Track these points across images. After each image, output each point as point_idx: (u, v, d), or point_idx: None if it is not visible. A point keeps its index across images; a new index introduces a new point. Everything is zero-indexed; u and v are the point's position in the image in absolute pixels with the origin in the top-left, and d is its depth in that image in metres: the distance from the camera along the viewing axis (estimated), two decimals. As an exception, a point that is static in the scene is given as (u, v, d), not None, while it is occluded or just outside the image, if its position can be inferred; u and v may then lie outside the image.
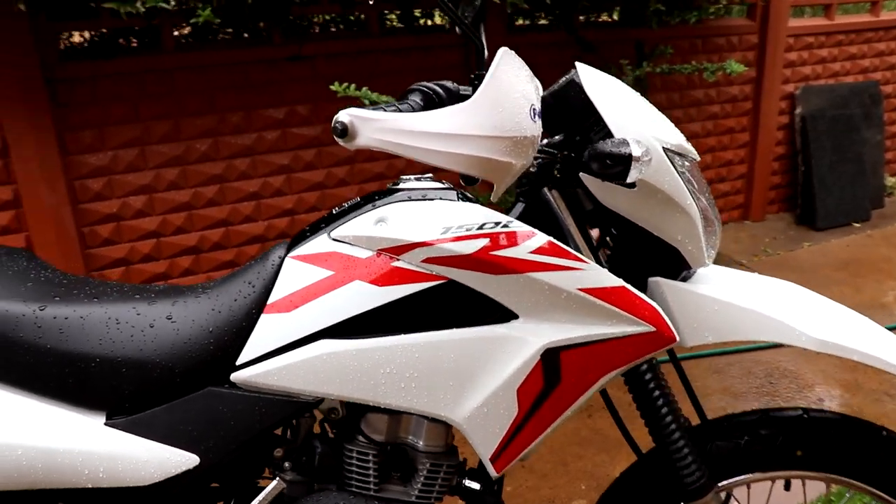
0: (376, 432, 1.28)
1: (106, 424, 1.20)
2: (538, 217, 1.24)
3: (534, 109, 0.92)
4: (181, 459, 1.19)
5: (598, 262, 1.23)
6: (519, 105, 0.89)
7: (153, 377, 1.20)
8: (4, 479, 1.20)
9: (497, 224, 1.15)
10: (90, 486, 1.19)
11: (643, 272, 1.25)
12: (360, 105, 2.62)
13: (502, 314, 1.17)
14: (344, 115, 0.87)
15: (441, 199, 1.24)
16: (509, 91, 0.88)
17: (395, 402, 1.18)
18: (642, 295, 1.15)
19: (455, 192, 1.26)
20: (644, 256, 1.24)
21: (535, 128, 0.92)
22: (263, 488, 1.29)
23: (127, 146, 2.92)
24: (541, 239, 1.13)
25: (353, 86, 2.44)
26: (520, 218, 1.27)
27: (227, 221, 3.17)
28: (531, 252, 1.13)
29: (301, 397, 1.20)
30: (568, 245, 1.21)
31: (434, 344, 1.16)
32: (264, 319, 1.20)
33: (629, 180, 1.05)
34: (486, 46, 1.50)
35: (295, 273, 1.21)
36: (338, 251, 1.21)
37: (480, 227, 1.15)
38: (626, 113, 1.15)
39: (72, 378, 1.20)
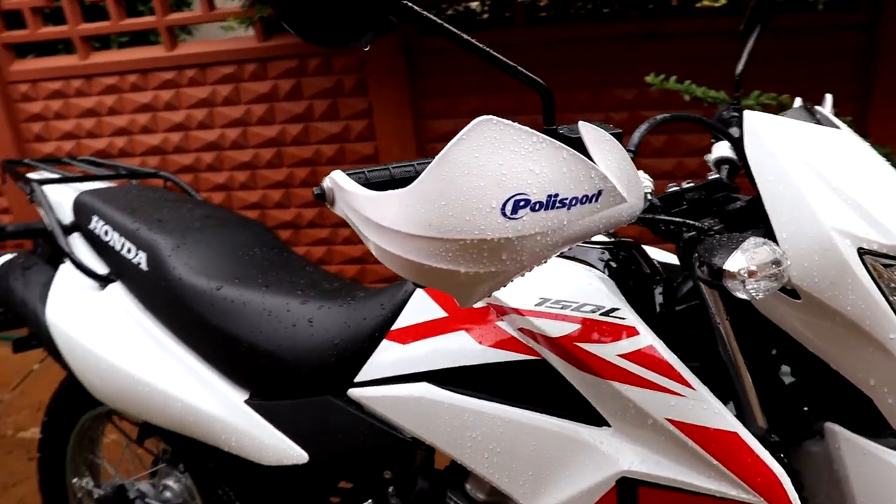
0: (480, 490, 1.17)
1: (246, 402, 1.30)
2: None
3: (519, 202, 0.68)
4: (293, 453, 1.24)
5: (761, 384, 0.92)
6: (479, 196, 0.66)
7: (284, 373, 1.26)
8: (170, 422, 1.38)
9: (597, 309, 0.93)
10: (226, 449, 1.31)
11: (818, 411, 0.90)
12: (684, 105, 2.33)
13: (597, 414, 0.95)
14: (327, 180, 0.76)
15: (576, 258, 1.05)
16: (467, 177, 0.66)
17: (478, 470, 1.07)
18: (764, 453, 0.84)
19: (604, 254, 1.05)
20: (821, 390, 0.90)
21: (509, 227, 0.68)
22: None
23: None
24: (639, 342, 0.89)
25: (672, 78, 2.16)
26: (687, 295, 1.01)
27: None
28: (621, 356, 0.89)
29: (402, 432, 1.15)
30: (719, 351, 0.93)
31: (519, 424, 1.01)
32: (384, 345, 1.18)
33: (741, 297, 0.75)
34: (744, 58, 1.21)
35: (419, 306, 1.16)
36: None
37: (578, 308, 0.94)
38: (803, 189, 0.81)
39: (225, 354, 1.32)
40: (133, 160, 3.34)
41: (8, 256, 1.65)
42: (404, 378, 1.14)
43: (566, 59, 2.89)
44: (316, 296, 1.32)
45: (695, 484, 0.85)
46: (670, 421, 0.85)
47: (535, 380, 1.01)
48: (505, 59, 0.76)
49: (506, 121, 0.68)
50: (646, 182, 0.93)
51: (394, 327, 1.18)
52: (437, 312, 1.14)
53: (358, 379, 1.20)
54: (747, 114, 0.88)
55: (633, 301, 0.99)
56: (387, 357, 1.17)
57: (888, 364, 0.80)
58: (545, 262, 0.75)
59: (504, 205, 0.66)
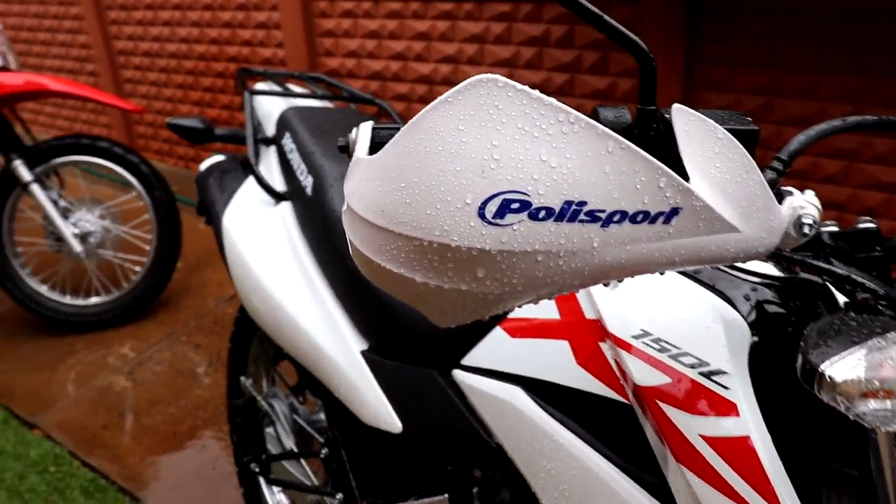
0: None
1: (362, 353, 1.25)
2: None
3: (511, 203, 0.48)
4: (389, 420, 1.18)
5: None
6: (450, 185, 0.47)
7: (399, 333, 1.19)
8: (294, 351, 1.37)
9: (699, 365, 0.71)
10: (335, 395, 1.28)
11: None
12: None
13: None
14: (354, 131, 0.63)
15: (714, 288, 0.82)
16: (440, 155, 0.47)
17: None
18: None
19: (759, 291, 0.81)
20: None
21: (487, 235, 0.48)
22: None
23: (753, 92, 2.64)
24: (734, 427, 0.66)
25: None
26: None
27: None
28: (704, 437, 0.67)
29: (490, 434, 1.03)
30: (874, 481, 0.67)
31: (594, 476, 0.85)
32: (495, 332, 1.06)
33: (851, 416, 0.51)
34: None
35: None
36: (578, 293, 0.96)
37: (677, 356, 0.73)
38: None
39: (354, 299, 1.28)
40: (403, 86, 3.43)
41: (217, 158, 1.74)
42: (502, 375, 1.01)
43: (876, 39, 2.39)
44: None
45: None
46: None
47: (622, 427, 0.82)
48: (593, 9, 0.57)
49: (520, 85, 0.50)
50: (806, 207, 0.67)
51: (510, 315, 1.05)
52: (552, 311, 0.98)
53: (464, 361, 1.09)
54: None
55: (776, 367, 0.75)
56: (493, 346, 1.04)
57: None
58: (567, 292, 0.56)
59: (485, 204, 0.49)
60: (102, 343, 2.99)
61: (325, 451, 1.43)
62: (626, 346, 0.77)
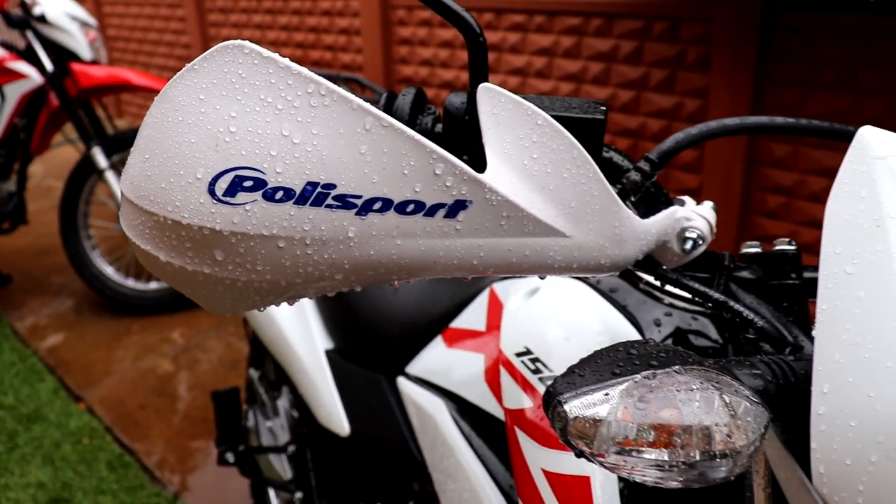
0: None
1: (326, 352, 1.24)
2: None
3: (244, 180, 0.44)
4: (339, 422, 1.16)
5: None
6: (183, 158, 0.44)
7: (356, 335, 1.17)
8: (267, 341, 1.37)
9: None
10: (298, 391, 1.27)
11: None
12: None
13: None
14: None
15: (625, 308, 0.74)
16: (178, 126, 0.45)
17: None
18: None
19: (675, 316, 0.73)
20: None
21: (217, 215, 0.45)
22: None
23: (825, 118, 2.47)
24: (573, 465, 0.60)
25: None
26: None
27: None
28: (544, 471, 0.63)
29: (420, 448, 1.00)
30: None
31: None
32: (436, 342, 1.03)
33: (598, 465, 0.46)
34: None
35: (478, 308, 0.98)
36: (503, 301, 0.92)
37: (546, 379, 0.67)
38: None
39: (324, 297, 1.26)
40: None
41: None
42: (433, 387, 0.98)
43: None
44: None
45: None
46: None
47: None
48: None
49: (268, 52, 0.45)
50: (693, 220, 0.60)
51: (452, 324, 1.01)
52: (480, 322, 0.94)
53: (408, 369, 1.06)
54: (862, 130, 0.53)
55: None
56: (432, 356, 1.01)
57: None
58: (344, 288, 0.52)
59: (215, 180, 0.45)
60: (156, 327, 3.10)
61: (291, 447, 1.42)
62: (508, 365, 0.71)
